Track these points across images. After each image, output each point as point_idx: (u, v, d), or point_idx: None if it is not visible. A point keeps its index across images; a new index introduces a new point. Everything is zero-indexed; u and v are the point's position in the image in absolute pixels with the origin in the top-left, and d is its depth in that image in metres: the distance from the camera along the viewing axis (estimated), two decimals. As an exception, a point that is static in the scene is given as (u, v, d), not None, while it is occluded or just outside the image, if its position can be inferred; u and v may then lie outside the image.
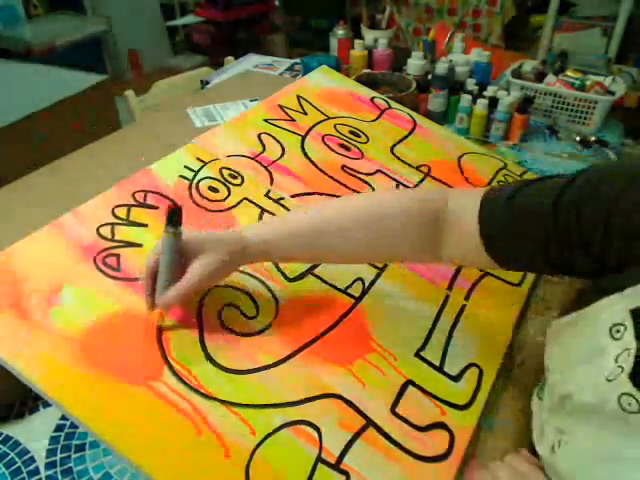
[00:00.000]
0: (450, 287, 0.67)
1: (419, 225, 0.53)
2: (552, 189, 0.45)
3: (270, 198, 0.70)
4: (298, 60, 1.45)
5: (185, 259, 0.50)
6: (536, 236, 0.46)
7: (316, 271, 0.63)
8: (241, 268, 0.60)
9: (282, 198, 0.71)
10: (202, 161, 0.72)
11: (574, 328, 0.45)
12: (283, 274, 0.62)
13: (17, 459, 0.54)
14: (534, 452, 0.53)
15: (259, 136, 0.79)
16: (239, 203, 0.68)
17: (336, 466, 0.48)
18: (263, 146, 0.78)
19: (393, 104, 0.95)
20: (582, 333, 0.43)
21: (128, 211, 0.62)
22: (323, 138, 0.82)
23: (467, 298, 0.66)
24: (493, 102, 1.08)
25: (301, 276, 0.62)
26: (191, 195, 0.67)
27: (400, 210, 0.53)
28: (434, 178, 0.82)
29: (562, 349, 0.47)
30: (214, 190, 0.68)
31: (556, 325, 0.48)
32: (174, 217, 0.48)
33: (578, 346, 0.44)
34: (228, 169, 0.72)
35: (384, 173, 0.80)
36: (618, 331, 0.39)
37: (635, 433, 0.37)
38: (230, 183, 0.70)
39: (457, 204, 0.53)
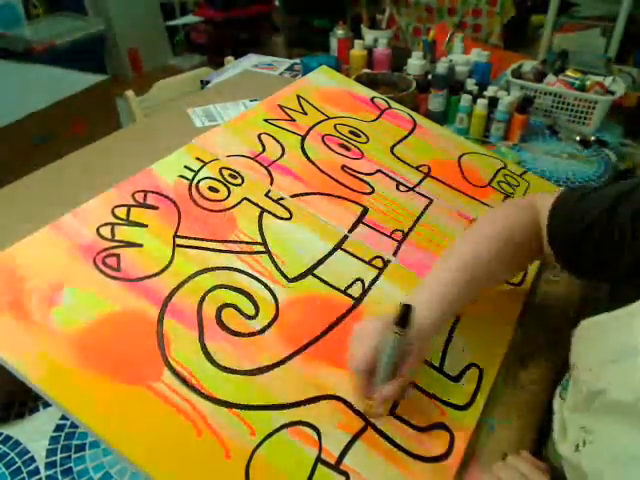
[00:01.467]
0: (450, 287, 0.67)
1: (532, 233, 0.57)
2: (608, 197, 0.49)
3: (270, 198, 0.70)
4: (298, 60, 1.45)
5: None
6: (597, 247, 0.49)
7: (316, 271, 0.63)
8: (241, 268, 0.60)
9: (282, 198, 0.71)
10: (202, 161, 0.72)
11: (605, 328, 0.45)
12: (283, 274, 0.62)
13: (17, 459, 0.54)
14: (535, 453, 0.54)
15: (259, 136, 0.79)
16: (239, 203, 0.68)
17: (336, 467, 0.48)
18: (263, 146, 0.77)
19: (393, 104, 0.95)
20: (614, 333, 0.44)
21: (128, 211, 0.62)
22: (323, 138, 0.82)
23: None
24: (493, 102, 1.08)
25: (301, 276, 0.62)
26: (191, 195, 0.67)
27: (522, 230, 0.57)
28: (434, 178, 0.82)
29: (591, 348, 0.47)
30: (214, 190, 0.68)
31: (586, 324, 0.48)
32: (407, 318, 0.47)
33: (609, 345, 0.44)
34: (228, 169, 0.72)
35: (384, 173, 0.80)
36: None
37: None
38: (230, 183, 0.70)
39: (543, 206, 0.57)
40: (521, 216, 0.58)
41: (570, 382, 0.50)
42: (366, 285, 0.64)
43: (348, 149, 0.82)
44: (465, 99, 1.10)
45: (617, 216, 0.47)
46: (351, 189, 0.75)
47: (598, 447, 0.43)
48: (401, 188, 0.79)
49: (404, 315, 0.47)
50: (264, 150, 0.77)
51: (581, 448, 0.44)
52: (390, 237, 0.71)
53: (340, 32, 1.39)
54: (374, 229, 0.71)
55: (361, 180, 0.78)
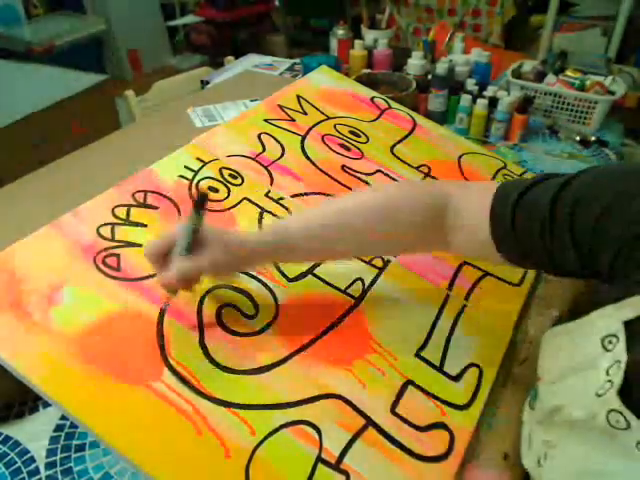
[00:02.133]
0: (450, 287, 0.67)
1: (428, 219, 0.53)
2: (554, 187, 0.45)
3: (270, 198, 0.70)
4: (298, 60, 1.45)
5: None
6: (537, 234, 0.46)
7: (316, 271, 0.63)
8: (241, 268, 0.60)
9: (282, 198, 0.71)
10: (202, 161, 0.72)
11: (568, 337, 0.44)
12: (283, 274, 0.62)
13: (17, 459, 0.54)
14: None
15: (259, 136, 0.79)
16: (239, 203, 0.68)
17: (336, 466, 0.48)
18: (263, 146, 0.78)
19: (393, 104, 0.95)
20: (576, 343, 0.43)
21: (128, 211, 0.62)
22: (323, 138, 0.82)
23: (467, 298, 0.66)
24: (493, 102, 1.08)
25: (301, 276, 0.62)
26: (191, 195, 0.67)
27: (410, 205, 0.53)
28: (434, 178, 0.82)
29: (554, 359, 0.46)
30: (214, 190, 0.68)
31: (550, 334, 0.47)
32: (203, 203, 0.49)
33: (571, 356, 0.43)
34: (228, 169, 0.72)
35: (384, 173, 0.80)
36: (610, 342, 0.39)
37: (621, 450, 0.37)
38: (230, 183, 0.70)
39: (465, 201, 0.53)
40: (417, 198, 0.54)
41: (537, 394, 0.49)
42: (366, 285, 0.64)
43: (348, 149, 0.82)
44: (465, 99, 1.10)
45: (558, 204, 0.44)
46: (351, 189, 0.75)
47: (557, 463, 0.43)
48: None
49: (201, 200, 0.48)
50: (264, 150, 0.77)
51: (542, 462, 0.44)
52: (390, 237, 0.71)
53: (340, 32, 1.39)
54: (374, 229, 0.71)
55: (361, 180, 0.78)
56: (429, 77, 1.18)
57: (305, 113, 0.86)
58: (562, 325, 0.45)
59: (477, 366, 0.59)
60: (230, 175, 0.71)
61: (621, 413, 0.36)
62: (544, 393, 0.47)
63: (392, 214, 0.53)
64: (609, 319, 0.39)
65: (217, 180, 0.70)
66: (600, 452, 0.39)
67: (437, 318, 0.63)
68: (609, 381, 0.37)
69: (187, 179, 0.69)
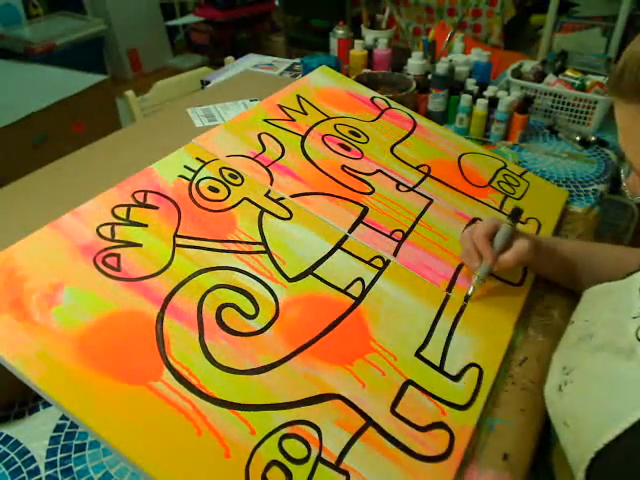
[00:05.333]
0: (450, 287, 0.67)
1: None
2: None
3: (270, 198, 0.70)
4: (298, 60, 1.45)
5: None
6: None
7: (316, 271, 0.63)
8: (241, 267, 0.60)
9: (282, 198, 0.71)
10: (202, 161, 0.72)
11: (609, 291, 0.52)
12: (283, 274, 0.62)
13: (17, 459, 0.54)
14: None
15: (259, 136, 0.79)
16: (239, 203, 0.68)
17: (336, 466, 0.48)
18: (263, 146, 0.78)
19: (393, 104, 0.95)
20: (614, 295, 0.51)
21: (128, 211, 0.62)
22: (323, 138, 0.82)
23: (467, 298, 0.66)
24: (493, 102, 1.08)
25: (301, 276, 0.62)
26: (191, 195, 0.67)
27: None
28: (434, 178, 0.82)
29: (593, 306, 0.54)
30: (214, 190, 0.68)
31: (595, 288, 0.56)
32: (518, 216, 0.67)
33: (609, 303, 0.51)
34: (228, 169, 0.72)
35: (384, 173, 0.80)
36: None
37: (637, 359, 0.43)
38: (230, 183, 0.70)
39: None
40: None
41: (565, 334, 0.56)
42: (366, 285, 0.64)
43: (348, 149, 0.82)
44: (465, 99, 1.10)
45: None
46: (351, 189, 0.75)
47: (576, 385, 0.48)
48: (401, 188, 0.79)
49: (515, 214, 0.67)
50: (264, 150, 0.77)
51: (563, 388, 0.49)
52: (390, 237, 0.71)
53: (340, 32, 1.39)
54: (374, 229, 0.71)
55: (361, 180, 0.78)
56: (429, 77, 1.18)
57: (305, 113, 0.86)
58: (603, 284, 0.54)
59: (477, 366, 0.59)
60: (230, 175, 0.71)
61: None
62: (573, 329, 0.55)
63: None
64: None
65: (217, 180, 0.70)
66: (617, 362, 0.44)
67: (437, 318, 0.63)
68: None
69: (187, 179, 0.69)
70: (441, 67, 1.12)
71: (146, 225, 0.61)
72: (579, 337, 0.51)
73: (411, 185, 0.80)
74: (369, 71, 1.23)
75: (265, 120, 0.82)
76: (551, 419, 0.51)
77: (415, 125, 0.92)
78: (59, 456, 0.54)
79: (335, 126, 0.86)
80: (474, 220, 0.77)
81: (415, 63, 1.19)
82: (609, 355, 0.46)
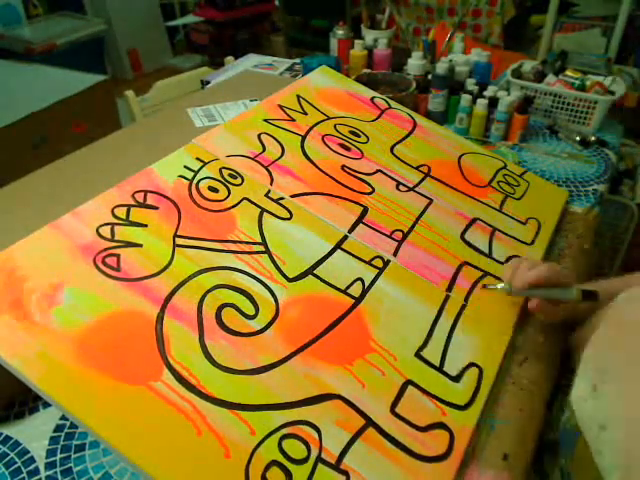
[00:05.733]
0: (450, 287, 0.67)
1: None
2: None
3: (270, 198, 0.70)
4: (298, 60, 1.45)
5: None
6: None
7: (316, 271, 0.63)
8: (241, 268, 0.60)
9: (282, 198, 0.71)
10: (202, 161, 0.72)
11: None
12: (283, 274, 0.62)
13: (17, 459, 0.54)
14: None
15: (259, 136, 0.79)
16: (239, 203, 0.68)
17: (336, 466, 0.48)
18: (263, 146, 0.78)
19: (393, 104, 0.95)
20: None
21: (128, 211, 0.62)
22: (323, 138, 0.82)
23: (467, 298, 0.66)
24: (493, 102, 1.08)
25: (301, 276, 0.62)
26: (191, 195, 0.67)
27: None
28: (434, 178, 0.82)
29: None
30: (214, 190, 0.68)
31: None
32: (589, 297, 0.60)
33: None
34: (228, 169, 0.72)
35: (384, 173, 0.80)
36: None
37: None
38: (230, 183, 0.70)
39: None
40: None
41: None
42: (366, 285, 0.64)
43: (348, 149, 0.82)
44: (465, 99, 1.10)
45: None
46: (351, 189, 0.75)
47: (613, 384, 0.45)
48: (401, 188, 0.79)
49: (588, 295, 0.60)
50: (264, 150, 0.77)
51: (599, 387, 0.46)
52: (390, 237, 0.71)
53: (340, 32, 1.39)
54: (374, 229, 0.71)
55: (361, 180, 0.78)
56: (429, 77, 1.18)
57: (305, 113, 0.86)
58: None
59: (477, 366, 0.59)
60: (230, 175, 0.71)
61: None
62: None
63: None
64: None
65: (217, 180, 0.70)
66: None
67: (437, 318, 0.63)
68: None
69: (187, 179, 0.69)
70: (441, 67, 1.12)
71: (146, 225, 0.61)
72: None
73: (411, 185, 0.80)
74: (369, 71, 1.23)
75: (265, 120, 0.82)
76: (579, 424, 0.47)
77: (415, 125, 0.92)
78: (59, 456, 0.54)
79: (335, 126, 0.86)
80: (474, 220, 0.77)
81: (415, 63, 1.19)
82: None
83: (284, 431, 0.49)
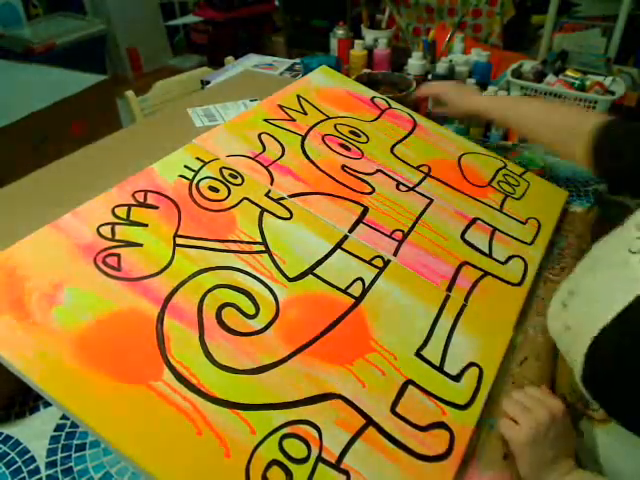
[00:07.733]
0: (450, 287, 0.67)
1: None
2: None
3: (270, 198, 0.70)
4: (298, 60, 1.45)
5: None
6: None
7: (316, 271, 0.63)
8: (241, 267, 0.60)
9: (282, 198, 0.71)
10: (202, 161, 0.72)
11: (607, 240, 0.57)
12: (283, 274, 0.62)
13: (17, 459, 0.54)
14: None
15: (259, 136, 0.79)
16: (239, 203, 0.68)
17: (336, 466, 0.48)
18: (263, 146, 0.78)
19: (393, 104, 0.95)
20: (614, 238, 0.55)
21: (128, 211, 0.62)
22: (323, 138, 0.82)
23: (467, 298, 0.66)
24: (493, 102, 1.07)
25: (301, 276, 0.62)
26: (191, 195, 0.67)
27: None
28: (434, 178, 0.82)
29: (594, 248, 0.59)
30: (214, 190, 0.68)
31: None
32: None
33: (609, 244, 0.56)
34: (228, 169, 0.72)
35: (384, 173, 0.80)
36: None
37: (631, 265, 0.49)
38: (230, 183, 0.70)
39: None
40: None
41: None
42: (366, 284, 0.64)
43: (348, 149, 0.82)
44: (465, 99, 1.10)
45: None
46: (351, 189, 0.75)
47: (578, 299, 0.54)
48: (401, 188, 0.79)
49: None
50: (264, 150, 0.77)
51: (567, 302, 0.55)
52: (390, 237, 0.71)
53: (340, 32, 1.39)
54: (374, 229, 0.71)
55: (361, 180, 0.78)
56: (429, 77, 1.18)
57: (305, 113, 0.86)
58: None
59: (477, 366, 0.59)
60: (230, 175, 0.71)
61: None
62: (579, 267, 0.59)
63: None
64: None
65: (217, 180, 0.70)
66: (619, 273, 0.50)
67: (437, 318, 0.63)
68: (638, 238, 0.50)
69: (187, 179, 0.69)
70: (441, 67, 1.12)
71: (146, 225, 0.61)
72: (583, 268, 0.57)
73: (411, 185, 0.80)
74: (369, 71, 1.23)
75: (265, 120, 0.82)
76: (551, 334, 0.58)
77: (415, 125, 0.92)
78: (59, 456, 0.54)
79: (335, 126, 0.86)
80: (474, 220, 0.77)
81: (415, 63, 1.19)
82: (608, 270, 0.52)
83: (284, 431, 0.49)
